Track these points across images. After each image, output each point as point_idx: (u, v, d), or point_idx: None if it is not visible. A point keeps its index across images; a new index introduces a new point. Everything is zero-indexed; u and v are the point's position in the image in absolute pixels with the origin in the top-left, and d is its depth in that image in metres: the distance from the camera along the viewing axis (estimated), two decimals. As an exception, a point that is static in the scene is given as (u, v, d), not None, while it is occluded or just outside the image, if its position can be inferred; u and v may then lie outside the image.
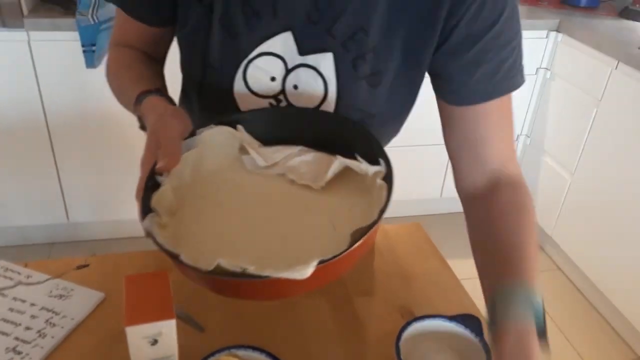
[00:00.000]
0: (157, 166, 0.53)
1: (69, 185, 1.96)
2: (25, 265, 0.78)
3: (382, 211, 0.52)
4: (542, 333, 0.48)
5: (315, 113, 0.67)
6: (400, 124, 0.76)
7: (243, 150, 0.65)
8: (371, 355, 0.68)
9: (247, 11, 0.64)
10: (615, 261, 1.86)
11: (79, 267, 0.78)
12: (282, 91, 0.68)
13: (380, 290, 0.79)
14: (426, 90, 0.71)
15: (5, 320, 0.69)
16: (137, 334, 0.53)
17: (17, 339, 0.66)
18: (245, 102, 0.69)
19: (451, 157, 0.71)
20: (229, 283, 0.50)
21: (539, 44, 2.12)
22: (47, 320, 0.69)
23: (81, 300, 0.72)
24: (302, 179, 0.62)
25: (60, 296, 0.73)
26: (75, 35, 1.67)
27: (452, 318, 0.65)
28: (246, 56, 0.66)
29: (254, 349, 0.62)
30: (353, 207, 0.59)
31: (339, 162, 0.61)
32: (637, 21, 2.13)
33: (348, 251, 0.48)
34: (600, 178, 1.92)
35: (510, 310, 0.50)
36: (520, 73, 0.67)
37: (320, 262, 0.46)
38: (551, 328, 1.93)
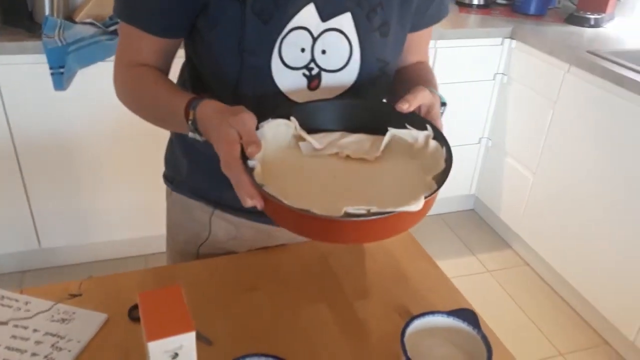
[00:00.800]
0: (249, 151, 0.60)
1: (39, 210, 1.92)
2: (21, 292, 0.78)
3: (447, 160, 0.63)
4: (442, 104, 0.77)
5: (349, 102, 0.76)
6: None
7: (294, 139, 0.71)
8: (377, 354, 0.72)
9: None
10: (579, 252, 1.97)
11: (72, 296, 0.78)
12: (312, 59, 0.75)
13: (377, 292, 0.83)
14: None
15: (10, 349, 0.68)
16: (158, 349, 0.54)
17: (25, 365, 0.66)
18: (282, 78, 0.75)
19: None
20: (355, 225, 0.56)
21: (494, 51, 2.23)
22: (53, 345, 0.69)
23: (85, 323, 0.73)
24: (357, 154, 0.69)
25: (63, 320, 0.73)
26: (41, 57, 1.65)
27: (450, 313, 0.69)
28: (279, 36, 0.72)
29: (267, 356, 0.64)
30: (410, 169, 0.67)
31: (390, 133, 0.70)
32: (583, 26, 2.27)
33: (439, 190, 0.59)
34: (561, 175, 2.03)
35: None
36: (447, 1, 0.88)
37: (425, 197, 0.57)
38: (524, 321, 2.01)
